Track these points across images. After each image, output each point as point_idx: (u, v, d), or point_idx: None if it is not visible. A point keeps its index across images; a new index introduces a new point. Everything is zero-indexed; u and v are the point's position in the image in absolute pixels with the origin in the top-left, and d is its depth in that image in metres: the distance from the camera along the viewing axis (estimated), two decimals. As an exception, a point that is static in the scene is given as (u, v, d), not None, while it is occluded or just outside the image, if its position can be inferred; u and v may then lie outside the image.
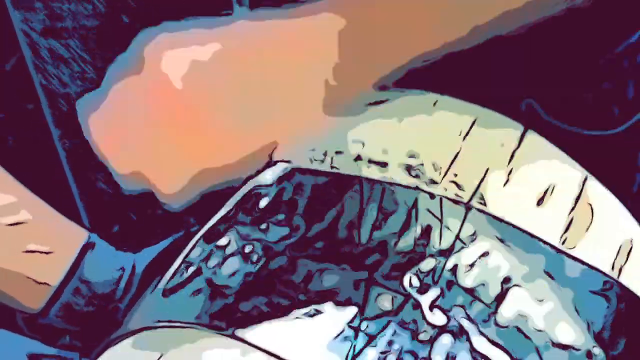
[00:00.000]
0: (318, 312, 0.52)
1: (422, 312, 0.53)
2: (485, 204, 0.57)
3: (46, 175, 0.88)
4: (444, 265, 0.54)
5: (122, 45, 0.92)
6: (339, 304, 0.53)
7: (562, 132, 0.67)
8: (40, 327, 0.66)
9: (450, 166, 0.57)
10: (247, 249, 0.57)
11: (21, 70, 0.93)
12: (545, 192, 0.58)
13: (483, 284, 0.54)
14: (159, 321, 0.55)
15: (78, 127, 0.94)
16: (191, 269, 0.57)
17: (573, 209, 0.58)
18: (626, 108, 0.68)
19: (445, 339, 0.53)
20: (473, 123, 0.60)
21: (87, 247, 0.66)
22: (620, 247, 0.57)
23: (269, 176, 0.60)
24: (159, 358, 0.53)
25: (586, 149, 0.63)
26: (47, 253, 0.65)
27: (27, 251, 0.64)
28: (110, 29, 0.92)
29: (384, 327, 0.52)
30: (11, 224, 0.65)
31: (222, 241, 0.58)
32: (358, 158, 0.58)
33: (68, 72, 0.92)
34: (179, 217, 0.78)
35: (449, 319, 0.53)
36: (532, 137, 0.60)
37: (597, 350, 0.54)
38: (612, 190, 0.59)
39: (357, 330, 0.52)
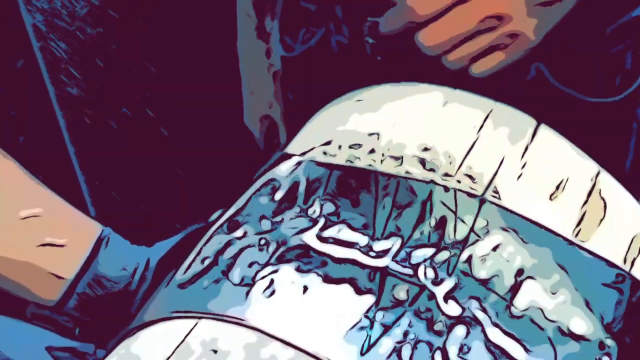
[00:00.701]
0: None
1: (437, 303, 0.54)
2: (499, 197, 0.57)
3: (56, 172, 0.89)
4: (459, 257, 0.55)
5: (133, 41, 0.93)
6: (354, 294, 0.53)
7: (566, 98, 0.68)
8: (48, 320, 0.66)
9: (464, 159, 0.58)
10: (263, 241, 0.57)
11: (32, 69, 0.94)
12: (558, 186, 0.58)
13: (497, 276, 0.55)
14: (176, 312, 0.55)
15: (87, 124, 0.95)
16: (207, 261, 0.58)
17: (586, 202, 0.58)
18: (624, 78, 0.68)
19: (460, 330, 0.53)
20: (487, 117, 0.60)
21: (101, 240, 0.66)
22: (632, 240, 0.58)
23: (283, 169, 0.60)
24: (176, 348, 0.53)
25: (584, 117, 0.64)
26: (61, 246, 0.65)
27: (43, 244, 0.64)
28: (122, 27, 0.92)
29: (400, 318, 0.53)
30: (27, 217, 0.65)
31: (238, 233, 0.58)
32: (372, 152, 0.58)
33: (79, 70, 0.92)
34: (190, 211, 0.79)
35: (463, 309, 0.53)
36: (545, 132, 0.60)
37: (609, 342, 0.54)
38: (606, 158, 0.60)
39: (372, 320, 0.53)
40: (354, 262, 0.55)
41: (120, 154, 0.95)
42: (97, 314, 0.65)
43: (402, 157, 0.58)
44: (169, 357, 0.52)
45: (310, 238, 0.56)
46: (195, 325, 0.53)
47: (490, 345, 0.53)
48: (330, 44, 0.74)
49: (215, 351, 0.52)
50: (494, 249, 0.56)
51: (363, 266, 0.55)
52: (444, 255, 0.55)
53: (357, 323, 0.52)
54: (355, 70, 0.72)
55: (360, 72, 0.71)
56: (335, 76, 0.74)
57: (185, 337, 0.53)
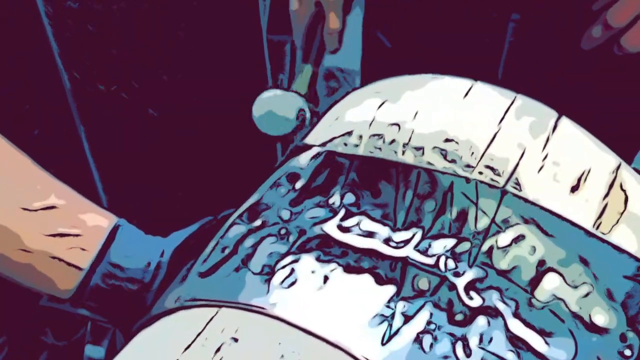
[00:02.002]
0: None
1: (457, 293, 0.53)
2: (520, 189, 0.57)
3: (70, 166, 0.89)
4: (480, 248, 0.55)
5: (146, 32, 0.92)
6: (375, 284, 0.53)
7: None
8: (61, 313, 0.66)
9: (485, 151, 0.58)
10: (283, 231, 0.57)
11: (47, 61, 0.93)
12: (580, 178, 0.58)
13: (518, 267, 0.54)
14: (195, 300, 0.55)
15: (102, 117, 0.95)
16: (227, 250, 0.57)
17: (607, 195, 0.58)
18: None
19: (481, 321, 0.53)
20: (508, 108, 0.60)
21: (116, 230, 0.66)
22: (654, 233, 0.57)
23: (303, 160, 0.60)
24: (196, 337, 0.53)
25: None
26: (76, 236, 0.65)
27: (57, 234, 0.64)
28: (137, 17, 0.92)
29: (421, 308, 0.53)
30: (40, 209, 0.65)
31: (257, 222, 0.58)
32: (393, 142, 0.58)
33: (95, 62, 0.92)
34: (205, 203, 0.78)
35: (484, 300, 0.53)
36: (566, 124, 0.60)
37: (630, 334, 0.54)
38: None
39: (394, 310, 0.52)
40: (374, 252, 0.55)
41: (135, 147, 0.95)
42: (113, 305, 0.65)
43: (423, 148, 0.57)
44: (189, 346, 0.52)
45: (330, 228, 0.56)
46: (216, 314, 0.53)
47: (511, 337, 0.53)
48: None
49: (236, 340, 0.51)
50: (515, 240, 0.55)
51: (384, 256, 0.54)
52: (464, 246, 0.55)
53: (378, 313, 0.52)
54: None
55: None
56: None
57: (206, 325, 0.53)
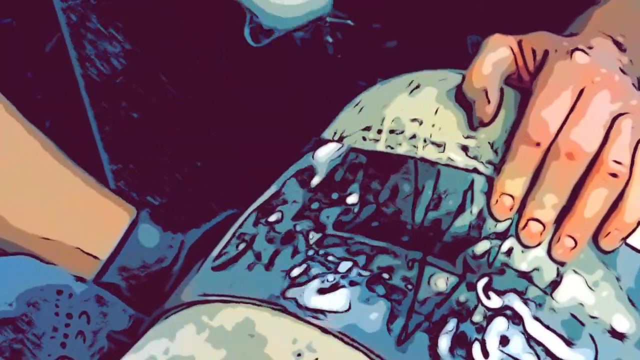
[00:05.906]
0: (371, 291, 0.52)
1: (476, 294, 0.52)
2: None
3: (81, 158, 0.88)
4: (499, 248, 0.54)
5: (156, 24, 0.92)
6: (392, 283, 0.52)
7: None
8: None
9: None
10: (299, 227, 0.56)
11: (60, 52, 0.93)
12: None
13: (538, 269, 0.54)
14: (210, 295, 0.54)
15: (115, 109, 0.94)
16: (242, 246, 0.57)
17: None
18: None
19: (499, 322, 0.52)
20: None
21: (135, 222, 0.66)
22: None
23: (321, 155, 0.59)
24: (211, 332, 0.52)
25: None
26: (95, 226, 0.65)
27: (77, 224, 0.64)
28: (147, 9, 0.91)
29: (438, 308, 0.52)
30: (61, 197, 0.65)
31: (272, 218, 0.57)
32: (414, 137, 0.57)
33: (106, 55, 0.92)
34: (222, 198, 0.78)
35: (503, 301, 0.52)
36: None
37: (652, 340, 0.53)
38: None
39: (410, 309, 0.52)
40: (391, 250, 0.54)
41: (148, 141, 0.94)
42: (128, 297, 0.65)
43: (444, 144, 0.56)
44: (203, 341, 0.52)
45: (347, 226, 0.55)
46: (231, 309, 0.53)
47: (529, 339, 0.52)
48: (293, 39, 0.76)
49: (252, 335, 0.51)
50: (536, 240, 0.54)
51: (401, 255, 0.54)
52: (484, 245, 0.54)
53: (394, 312, 0.51)
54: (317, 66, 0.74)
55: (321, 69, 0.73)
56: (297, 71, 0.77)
57: (221, 321, 0.52)
